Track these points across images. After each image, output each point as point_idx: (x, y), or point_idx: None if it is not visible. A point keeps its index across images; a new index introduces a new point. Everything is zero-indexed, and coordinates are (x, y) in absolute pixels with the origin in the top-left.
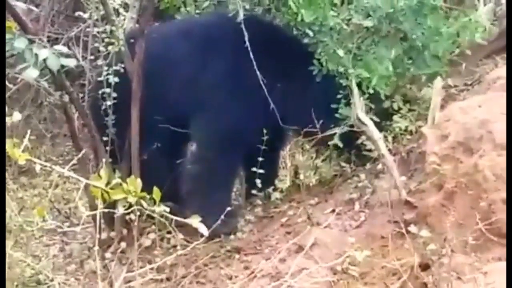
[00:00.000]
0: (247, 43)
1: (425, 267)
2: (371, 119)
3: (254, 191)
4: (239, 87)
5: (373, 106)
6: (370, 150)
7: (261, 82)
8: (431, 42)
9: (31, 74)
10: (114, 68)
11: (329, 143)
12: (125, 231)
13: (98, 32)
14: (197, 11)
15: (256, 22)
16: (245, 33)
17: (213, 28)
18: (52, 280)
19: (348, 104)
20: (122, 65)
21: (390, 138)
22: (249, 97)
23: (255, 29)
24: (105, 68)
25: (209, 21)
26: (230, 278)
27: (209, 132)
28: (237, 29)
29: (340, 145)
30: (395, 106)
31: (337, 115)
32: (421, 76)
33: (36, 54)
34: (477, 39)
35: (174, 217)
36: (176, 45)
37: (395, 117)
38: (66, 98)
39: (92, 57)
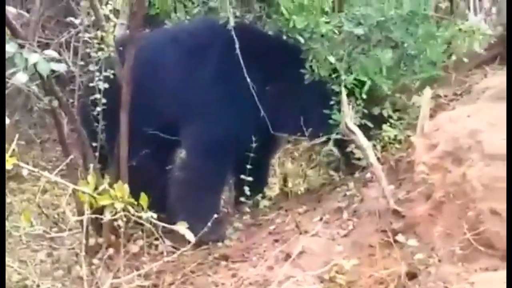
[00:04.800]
0: (237, 50)
1: (412, 276)
2: (364, 125)
3: (242, 199)
4: (228, 94)
5: (366, 111)
6: (358, 159)
7: (251, 89)
8: (425, 47)
9: (21, 78)
10: (104, 74)
11: (317, 150)
12: (112, 237)
13: (89, 38)
14: (188, 17)
15: (244, 29)
16: (236, 40)
17: (202, 35)
18: (38, 285)
19: (340, 110)
20: (112, 71)
21: (379, 147)
22: (238, 104)
23: (243, 36)
24: (95, 74)
25: (197, 28)
26: (217, 286)
27: (198, 139)
28: (226, 35)
29: (335, 150)
30: (385, 114)
31: (330, 121)
32: (411, 85)
33: (26, 59)
34: (475, 47)
35: (162, 224)
36: (165, 51)
37: (384, 126)
38: (55, 103)
39: (82, 63)
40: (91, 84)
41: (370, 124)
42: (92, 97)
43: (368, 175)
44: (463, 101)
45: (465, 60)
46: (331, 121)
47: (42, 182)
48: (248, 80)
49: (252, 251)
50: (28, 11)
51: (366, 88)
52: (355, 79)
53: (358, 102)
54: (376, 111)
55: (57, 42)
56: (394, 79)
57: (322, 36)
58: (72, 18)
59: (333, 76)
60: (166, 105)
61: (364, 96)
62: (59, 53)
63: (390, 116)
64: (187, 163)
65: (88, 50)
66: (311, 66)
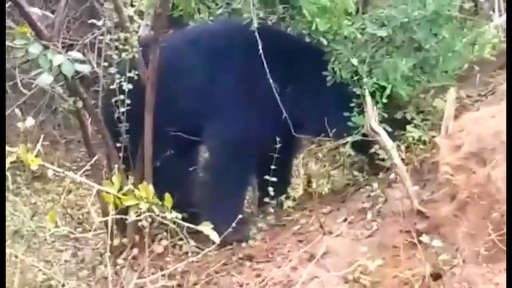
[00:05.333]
0: (261, 51)
1: (436, 277)
2: (384, 128)
3: (266, 199)
4: (250, 94)
5: (386, 115)
6: (383, 160)
7: (274, 90)
8: (444, 57)
9: (46, 79)
10: (128, 75)
11: (340, 150)
12: (137, 238)
13: (112, 39)
14: (211, 19)
15: (267, 30)
16: (259, 41)
17: (225, 36)
18: (63, 285)
19: (361, 112)
20: (136, 72)
21: (403, 148)
22: (261, 105)
23: (266, 37)
24: (119, 75)
25: (220, 29)
26: (242, 286)
27: (222, 140)
28: (249, 36)
29: (352, 153)
30: (408, 117)
31: (350, 123)
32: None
33: (50, 60)
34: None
35: (186, 224)
36: (188, 52)
37: (408, 127)
38: (80, 104)
39: (106, 64)
40: (112, 87)
41: (389, 129)
42: (115, 98)
43: (392, 175)
44: (487, 101)
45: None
46: (350, 124)
47: (66, 183)
48: (271, 81)
49: (276, 252)
50: (52, 12)
51: (387, 92)
52: (375, 83)
53: (379, 105)
54: (399, 115)
55: (82, 43)
56: (412, 85)
57: (345, 38)
58: (94, 20)
59: (355, 78)
60: (189, 106)
61: (385, 100)
62: (83, 54)
63: (413, 118)
64: (210, 163)
65: (109, 52)
66: (333, 68)
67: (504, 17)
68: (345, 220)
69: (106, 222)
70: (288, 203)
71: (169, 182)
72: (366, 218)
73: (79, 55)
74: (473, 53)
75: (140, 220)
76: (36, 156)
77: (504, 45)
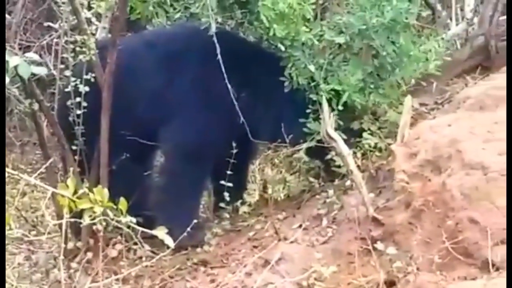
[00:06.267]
0: (219, 56)
1: (390, 284)
2: (340, 135)
3: (222, 204)
4: (206, 99)
5: (342, 123)
6: (339, 166)
7: (231, 95)
8: (398, 65)
9: None
10: (85, 77)
11: (296, 156)
12: (91, 241)
13: (69, 42)
14: (169, 23)
15: (225, 35)
16: (217, 45)
17: (181, 40)
18: None
19: (317, 119)
20: (93, 75)
21: (359, 155)
22: (217, 110)
23: (223, 42)
24: (75, 77)
25: (177, 33)
26: None
27: (178, 144)
28: (206, 41)
29: (307, 159)
30: (364, 125)
31: (305, 129)
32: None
33: (7, 61)
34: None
35: (141, 228)
36: (144, 56)
37: (365, 134)
38: (36, 106)
39: (63, 66)
40: (66, 89)
41: (344, 136)
42: (71, 101)
43: (348, 182)
44: (444, 110)
45: (437, 72)
46: (306, 130)
47: (21, 185)
48: (229, 86)
49: (231, 257)
50: (9, 14)
51: (343, 99)
52: (332, 89)
53: (335, 112)
54: (355, 124)
55: (39, 45)
56: (367, 94)
57: (303, 44)
58: (51, 23)
59: (312, 84)
60: (145, 110)
61: (341, 108)
62: (40, 56)
63: (369, 128)
64: (166, 167)
65: (65, 55)
66: (290, 74)
67: (461, 26)
68: (300, 226)
69: (60, 225)
70: (244, 209)
71: (125, 186)
72: (321, 224)
73: (36, 57)
74: (429, 61)
75: (95, 224)
76: None
77: (459, 55)
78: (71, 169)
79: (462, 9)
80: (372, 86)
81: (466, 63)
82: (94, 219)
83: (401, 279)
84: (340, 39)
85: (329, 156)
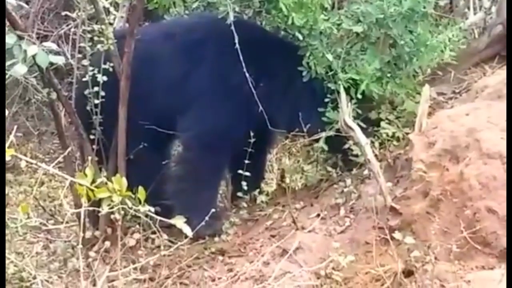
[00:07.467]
0: (237, 45)
1: (408, 274)
2: (358, 124)
3: (239, 194)
4: (225, 88)
5: (359, 112)
6: (356, 156)
7: (249, 84)
8: (416, 55)
9: (20, 70)
10: (103, 66)
11: (315, 146)
12: (109, 230)
13: (87, 31)
14: (187, 12)
15: (243, 24)
16: (235, 35)
17: (200, 29)
18: (35, 277)
19: (335, 108)
20: (111, 64)
21: (377, 144)
22: (235, 99)
23: (241, 31)
24: (93, 66)
25: (195, 22)
26: (213, 280)
27: (195, 133)
28: (224, 30)
29: (326, 148)
30: (382, 114)
31: (324, 119)
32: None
33: (25, 51)
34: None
35: (159, 218)
36: (162, 45)
37: (383, 123)
38: (53, 95)
39: (81, 56)
40: (84, 79)
41: (363, 125)
42: (89, 90)
43: (366, 172)
44: (461, 99)
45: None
46: (325, 119)
47: (39, 174)
48: (247, 75)
49: (249, 246)
50: (27, 3)
51: (361, 88)
52: (350, 78)
53: (353, 101)
54: (373, 114)
55: (56, 34)
56: (385, 83)
57: (321, 33)
58: (68, 13)
59: (330, 73)
60: (164, 99)
61: (359, 96)
62: (58, 46)
63: (387, 118)
64: (184, 157)
65: (83, 44)
66: (308, 63)
67: (479, 15)
68: (318, 215)
69: (78, 215)
70: (262, 198)
71: (143, 175)
72: (339, 214)
73: (53, 46)
74: (446, 51)
75: (113, 213)
76: (9, 147)
77: (477, 44)
78: (89, 158)
79: None
80: (389, 75)
81: (484, 53)
82: (112, 208)
83: (419, 268)
84: (358, 28)
85: (347, 146)
